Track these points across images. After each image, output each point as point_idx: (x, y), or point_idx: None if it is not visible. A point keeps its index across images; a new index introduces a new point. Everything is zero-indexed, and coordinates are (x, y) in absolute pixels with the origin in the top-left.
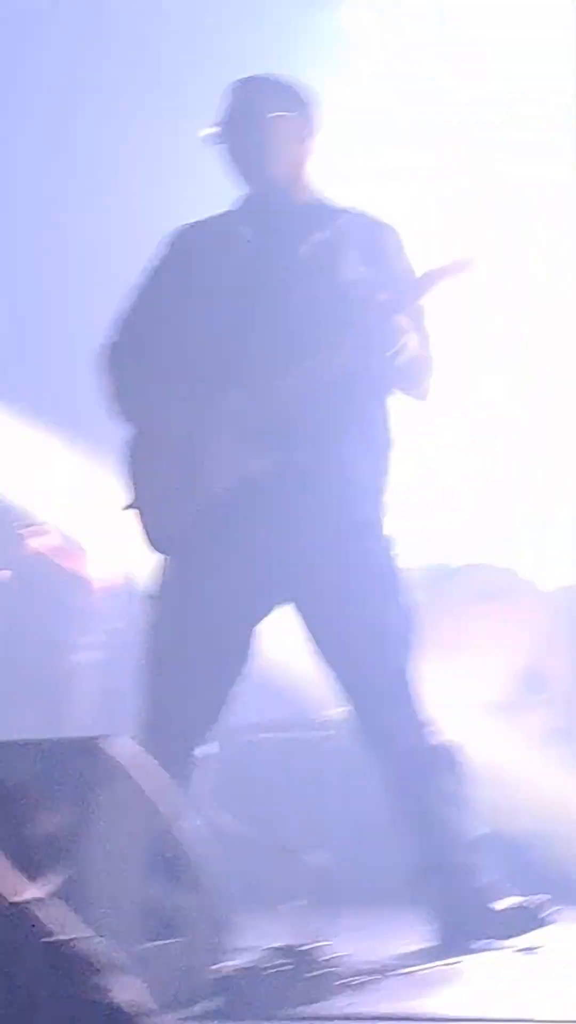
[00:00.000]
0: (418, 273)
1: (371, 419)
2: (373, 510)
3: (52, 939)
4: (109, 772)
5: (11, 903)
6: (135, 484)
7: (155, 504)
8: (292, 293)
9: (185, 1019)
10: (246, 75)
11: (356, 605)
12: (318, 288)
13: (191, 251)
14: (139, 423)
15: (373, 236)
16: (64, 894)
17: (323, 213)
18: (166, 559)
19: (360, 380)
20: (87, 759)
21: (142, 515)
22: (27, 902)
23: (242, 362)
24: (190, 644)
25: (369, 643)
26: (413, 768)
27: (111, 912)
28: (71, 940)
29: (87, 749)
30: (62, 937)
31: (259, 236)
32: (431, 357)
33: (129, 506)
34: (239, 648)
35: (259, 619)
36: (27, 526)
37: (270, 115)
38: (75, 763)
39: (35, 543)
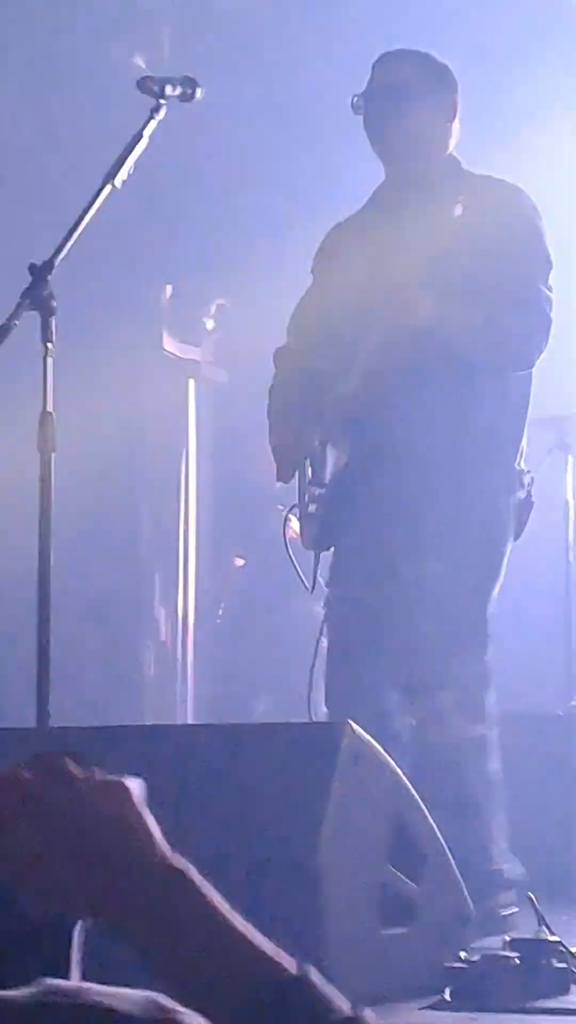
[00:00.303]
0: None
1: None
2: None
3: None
4: (353, 758)
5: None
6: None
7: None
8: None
9: (423, 1007)
10: (392, 51)
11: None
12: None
13: (335, 251)
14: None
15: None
16: (310, 879)
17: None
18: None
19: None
20: (330, 745)
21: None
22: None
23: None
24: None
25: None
26: None
27: (355, 897)
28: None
29: (330, 735)
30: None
31: (393, 226)
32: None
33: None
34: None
35: None
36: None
37: (419, 100)
38: (319, 749)
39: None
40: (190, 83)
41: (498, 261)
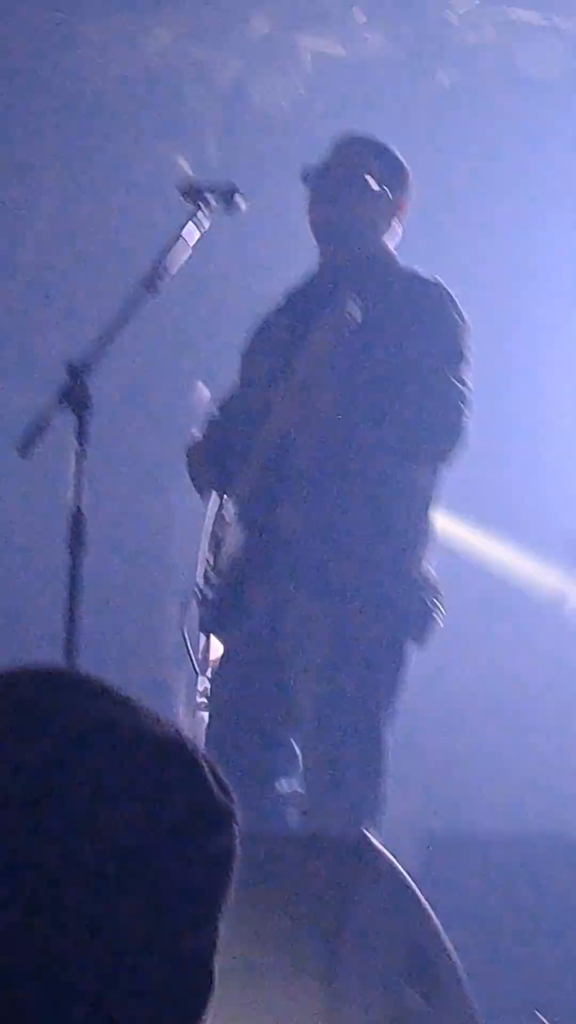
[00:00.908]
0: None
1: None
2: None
3: None
4: (370, 874)
5: None
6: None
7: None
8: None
9: None
10: (359, 135)
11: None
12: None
13: (252, 347)
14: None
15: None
16: (329, 997)
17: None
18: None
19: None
20: (353, 857)
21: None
22: None
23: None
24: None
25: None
26: None
27: (368, 1014)
28: None
29: (348, 849)
30: None
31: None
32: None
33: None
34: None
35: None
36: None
37: (372, 190)
38: (340, 861)
39: None
40: (231, 190)
41: (407, 354)
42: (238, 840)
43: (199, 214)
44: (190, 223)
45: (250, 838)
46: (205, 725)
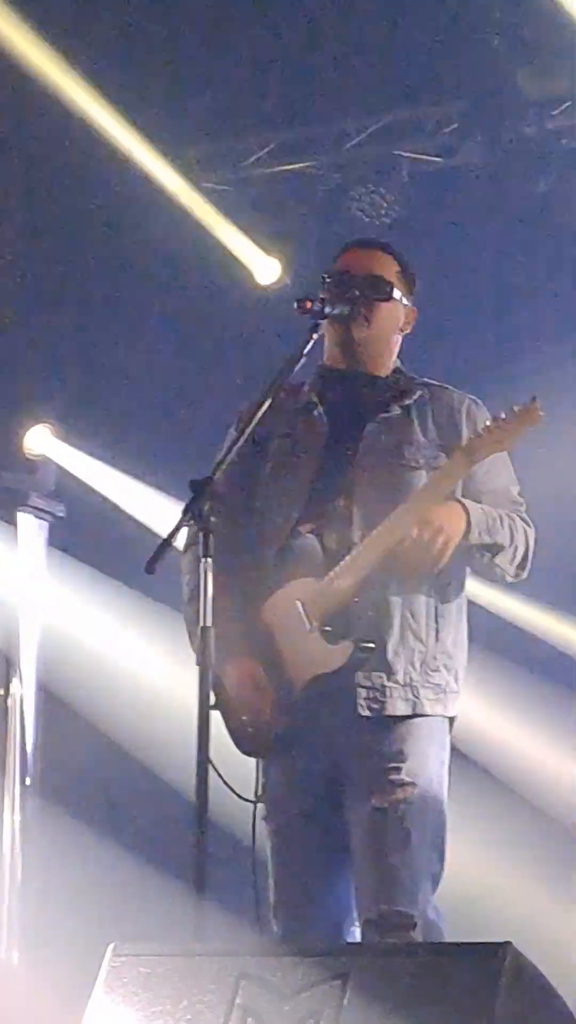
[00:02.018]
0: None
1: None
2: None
3: None
4: (516, 981)
5: None
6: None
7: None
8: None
9: None
10: (373, 240)
11: None
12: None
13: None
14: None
15: (451, 406)
16: None
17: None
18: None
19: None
20: (493, 967)
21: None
22: None
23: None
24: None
25: None
26: None
27: None
28: None
29: (492, 957)
30: None
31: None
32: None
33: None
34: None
35: None
36: None
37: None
38: (481, 971)
39: None
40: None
41: None
42: None
43: (316, 328)
44: (310, 339)
45: (393, 946)
46: None
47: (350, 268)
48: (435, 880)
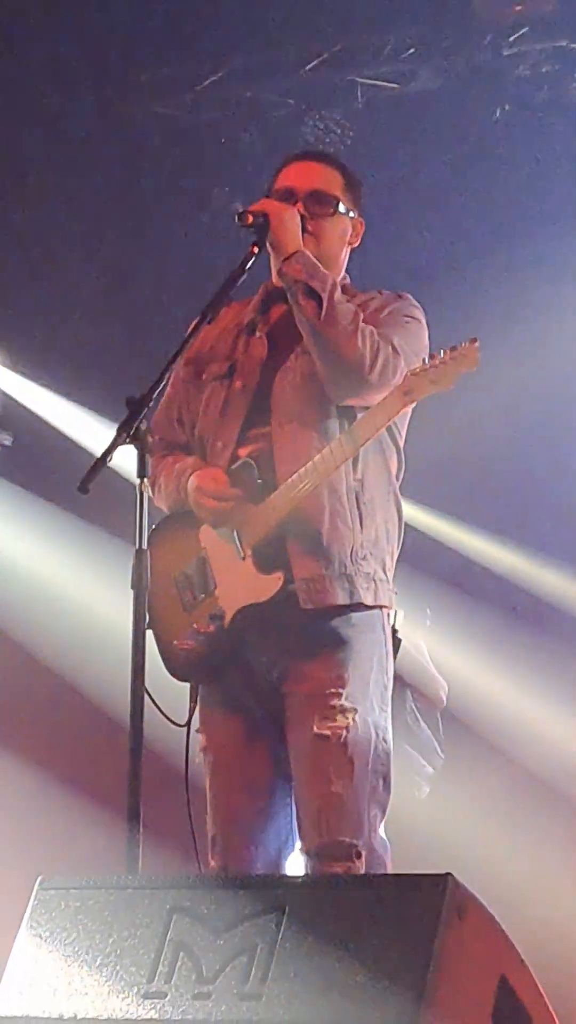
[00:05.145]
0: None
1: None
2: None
3: None
4: (457, 913)
5: None
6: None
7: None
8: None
9: None
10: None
11: None
12: None
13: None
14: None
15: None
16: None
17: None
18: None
19: None
20: (433, 898)
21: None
22: None
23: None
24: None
25: None
26: None
27: None
28: None
29: (433, 888)
30: None
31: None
32: None
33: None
34: None
35: None
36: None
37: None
38: (422, 902)
39: None
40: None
41: None
42: None
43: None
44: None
45: (333, 877)
46: None
47: (293, 184)
48: (382, 807)
